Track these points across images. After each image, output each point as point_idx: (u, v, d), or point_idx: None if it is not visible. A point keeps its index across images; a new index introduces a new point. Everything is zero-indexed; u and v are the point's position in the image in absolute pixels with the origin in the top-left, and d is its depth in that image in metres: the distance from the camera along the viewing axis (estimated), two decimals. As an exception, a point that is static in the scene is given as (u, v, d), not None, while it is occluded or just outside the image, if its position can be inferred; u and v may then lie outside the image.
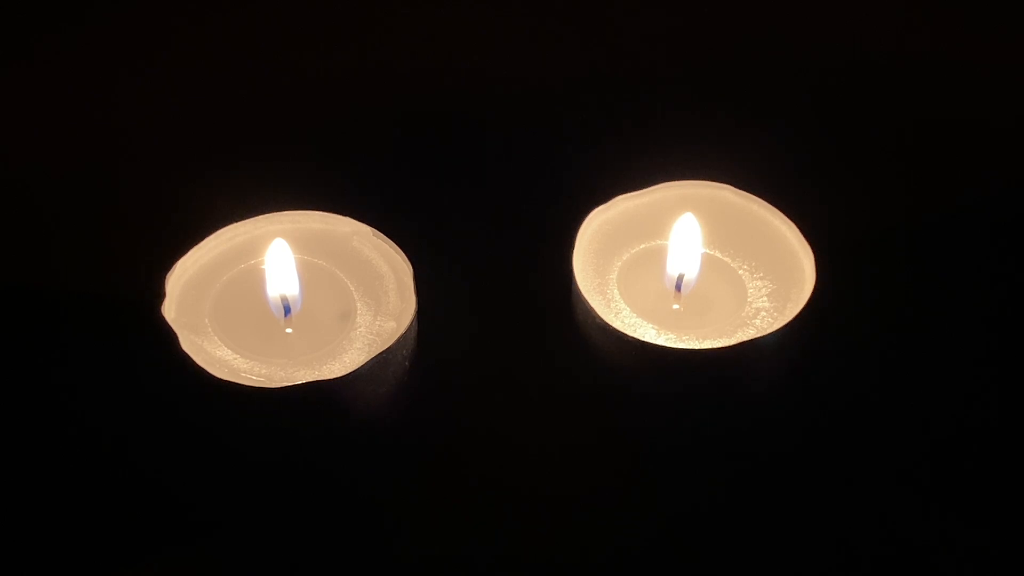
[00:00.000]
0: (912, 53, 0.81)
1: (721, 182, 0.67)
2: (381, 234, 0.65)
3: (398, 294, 0.64)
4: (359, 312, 0.64)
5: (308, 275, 0.65)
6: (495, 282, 0.71)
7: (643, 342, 0.62)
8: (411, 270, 0.64)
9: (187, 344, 0.61)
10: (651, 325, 0.64)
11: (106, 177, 0.75)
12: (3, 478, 0.64)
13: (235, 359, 0.62)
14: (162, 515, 0.63)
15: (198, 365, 0.60)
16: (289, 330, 0.63)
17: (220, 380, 0.59)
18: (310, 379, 0.60)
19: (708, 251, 0.66)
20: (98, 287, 0.70)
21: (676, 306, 0.65)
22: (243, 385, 0.60)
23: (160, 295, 0.61)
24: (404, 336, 0.61)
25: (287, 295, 0.63)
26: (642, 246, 0.67)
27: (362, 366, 0.60)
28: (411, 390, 0.64)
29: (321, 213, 0.66)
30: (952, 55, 0.81)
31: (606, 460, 0.65)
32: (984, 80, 0.81)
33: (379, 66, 0.81)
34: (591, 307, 0.62)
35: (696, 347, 0.62)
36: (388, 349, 0.60)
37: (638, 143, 0.76)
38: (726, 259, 0.67)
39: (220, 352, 0.62)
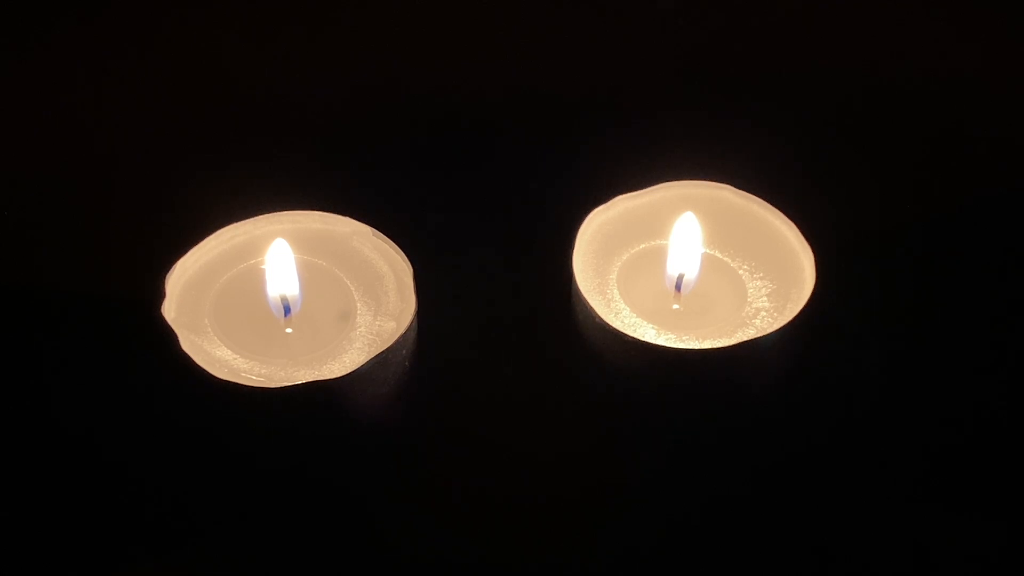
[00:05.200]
0: (912, 54, 0.81)
1: (721, 182, 0.67)
2: (381, 234, 0.65)
3: (398, 294, 0.64)
4: (359, 312, 0.64)
5: (308, 275, 0.65)
6: (495, 282, 0.71)
7: (643, 342, 0.62)
8: (411, 270, 0.64)
9: (187, 344, 0.61)
10: (651, 325, 0.64)
11: (106, 177, 0.75)
12: (3, 480, 0.64)
13: (235, 359, 0.62)
14: (161, 515, 0.63)
15: (198, 365, 0.60)
16: (289, 330, 0.63)
17: (220, 380, 0.59)
18: (310, 379, 0.60)
19: (708, 251, 0.66)
20: (98, 287, 0.70)
21: (676, 306, 0.65)
22: (243, 385, 0.60)
23: (160, 295, 0.61)
24: (404, 336, 0.61)
25: (287, 295, 0.63)
26: (642, 246, 0.67)
27: (362, 366, 0.60)
28: (411, 390, 0.64)
29: (321, 213, 0.66)
30: (952, 57, 0.81)
31: (606, 460, 0.65)
32: (984, 81, 0.81)
33: (379, 66, 0.81)
34: (591, 307, 0.62)
35: (696, 347, 0.62)
36: (388, 349, 0.60)
37: (638, 143, 0.76)
38: (726, 259, 0.67)
39: (220, 352, 0.62)
